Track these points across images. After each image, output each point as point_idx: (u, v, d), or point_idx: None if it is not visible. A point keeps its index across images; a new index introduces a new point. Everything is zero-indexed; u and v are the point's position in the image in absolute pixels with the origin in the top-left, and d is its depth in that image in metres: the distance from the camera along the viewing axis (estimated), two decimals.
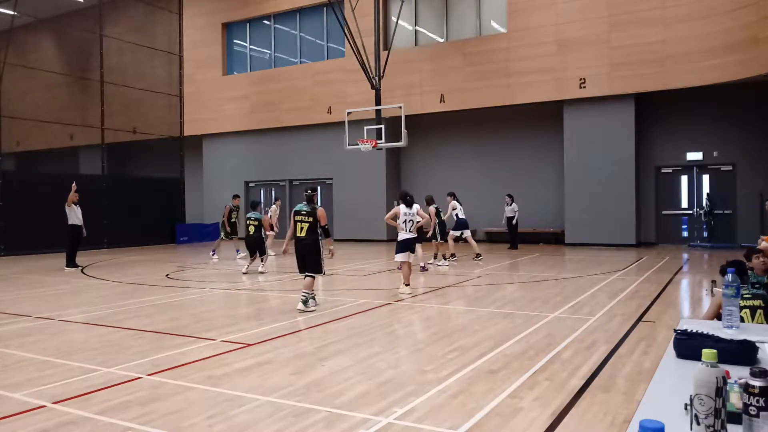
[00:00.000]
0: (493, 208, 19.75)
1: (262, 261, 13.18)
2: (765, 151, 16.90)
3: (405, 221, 9.74)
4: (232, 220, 15.75)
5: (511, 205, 17.88)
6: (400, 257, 9.67)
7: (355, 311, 8.12)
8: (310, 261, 8.23)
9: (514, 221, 17.83)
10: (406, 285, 9.53)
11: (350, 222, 22.04)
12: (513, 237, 17.99)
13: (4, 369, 5.47)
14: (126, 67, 22.16)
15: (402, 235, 9.74)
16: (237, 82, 24.70)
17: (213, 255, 16.11)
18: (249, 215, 13.32)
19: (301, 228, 8.21)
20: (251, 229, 13.09)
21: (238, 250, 16.12)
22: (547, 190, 19.59)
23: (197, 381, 4.95)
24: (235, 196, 16.38)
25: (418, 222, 10.24)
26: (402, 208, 9.85)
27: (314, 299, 8.39)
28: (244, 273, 12.86)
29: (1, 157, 18.69)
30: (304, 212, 8.24)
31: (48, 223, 17.29)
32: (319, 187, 22.79)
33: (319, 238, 8.30)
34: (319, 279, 9.97)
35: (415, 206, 9.88)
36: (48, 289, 10.88)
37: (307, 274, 8.24)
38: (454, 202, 14.40)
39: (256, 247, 13.13)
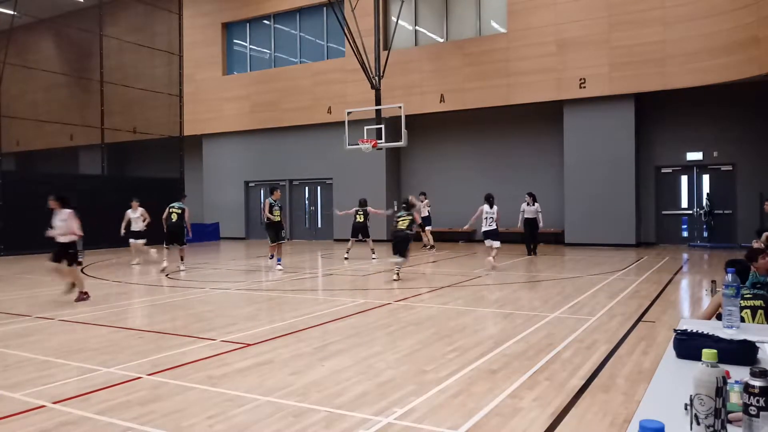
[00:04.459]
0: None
1: (182, 260, 13.38)
2: (765, 151, 16.90)
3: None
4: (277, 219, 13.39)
5: (532, 204, 15.84)
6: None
7: (355, 311, 8.12)
8: (401, 247, 11.26)
9: (539, 223, 15.83)
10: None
11: (350, 222, 21.94)
12: (534, 241, 16.02)
13: (4, 369, 5.47)
14: (126, 67, 22.13)
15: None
16: (237, 81, 24.69)
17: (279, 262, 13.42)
18: (173, 204, 13.47)
19: (402, 222, 11.43)
20: (174, 216, 13.30)
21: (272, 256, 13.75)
22: (546, 190, 19.55)
23: (197, 381, 4.95)
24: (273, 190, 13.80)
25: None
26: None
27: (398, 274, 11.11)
28: (161, 271, 12.87)
29: (1, 157, 18.67)
30: (405, 213, 11.63)
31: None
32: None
33: (410, 232, 11.47)
34: (319, 279, 10.06)
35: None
36: (48, 289, 10.87)
37: (399, 256, 11.20)
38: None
39: (174, 236, 13.32)
